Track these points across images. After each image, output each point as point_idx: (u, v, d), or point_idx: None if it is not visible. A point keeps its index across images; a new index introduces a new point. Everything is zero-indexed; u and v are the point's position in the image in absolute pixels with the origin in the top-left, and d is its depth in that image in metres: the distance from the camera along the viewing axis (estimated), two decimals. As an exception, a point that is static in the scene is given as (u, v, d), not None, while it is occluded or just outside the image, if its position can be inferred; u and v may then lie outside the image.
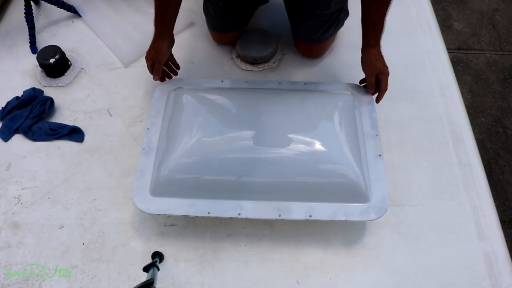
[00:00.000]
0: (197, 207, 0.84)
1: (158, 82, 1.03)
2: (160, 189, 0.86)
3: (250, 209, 0.84)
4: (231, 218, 0.84)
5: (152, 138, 0.93)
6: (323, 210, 0.83)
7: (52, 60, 1.13)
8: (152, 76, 0.99)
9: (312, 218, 0.83)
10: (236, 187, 0.85)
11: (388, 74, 0.96)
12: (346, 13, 1.12)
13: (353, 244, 0.90)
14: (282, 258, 0.89)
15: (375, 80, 0.97)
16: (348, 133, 0.89)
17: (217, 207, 0.84)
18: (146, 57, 1.00)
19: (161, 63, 0.99)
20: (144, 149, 0.91)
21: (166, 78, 1.04)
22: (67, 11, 1.31)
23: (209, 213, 0.83)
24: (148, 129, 0.94)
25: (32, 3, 1.25)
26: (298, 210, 0.83)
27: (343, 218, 0.83)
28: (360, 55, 0.97)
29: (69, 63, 1.20)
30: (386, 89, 0.97)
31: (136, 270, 0.87)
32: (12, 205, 0.97)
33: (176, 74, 1.06)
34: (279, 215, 0.83)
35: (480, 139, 1.91)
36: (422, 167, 1.01)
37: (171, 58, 1.04)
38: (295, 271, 0.87)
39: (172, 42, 1.00)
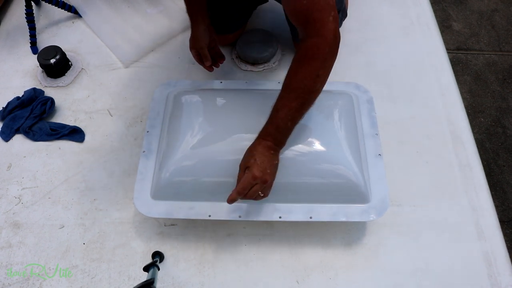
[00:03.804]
0: (198, 210, 0.84)
1: (158, 82, 1.03)
2: (161, 192, 0.86)
3: (251, 211, 0.84)
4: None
5: (152, 140, 0.93)
6: (323, 211, 0.84)
7: (52, 61, 1.13)
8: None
9: (313, 219, 0.83)
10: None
11: (254, 177, 0.74)
12: (344, 14, 1.13)
13: (353, 244, 0.91)
14: (282, 258, 0.89)
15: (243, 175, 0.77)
16: (348, 133, 0.89)
17: (218, 210, 0.84)
18: (189, 48, 1.01)
19: (204, 48, 0.98)
20: (144, 152, 0.91)
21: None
22: (68, 11, 1.31)
23: (210, 216, 0.84)
24: (148, 131, 0.94)
25: (32, 3, 1.26)
26: (298, 212, 0.84)
27: (343, 219, 0.83)
28: (359, 55, 0.96)
29: (70, 63, 1.20)
30: (239, 192, 0.74)
31: (136, 270, 0.88)
32: (13, 205, 0.97)
33: (221, 62, 1.06)
34: (280, 217, 0.83)
35: (480, 139, 1.91)
36: (422, 167, 1.01)
37: (213, 43, 1.03)
38: (295, 271, 0.88)
39: (208, 26, 1.00)
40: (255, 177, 0.74)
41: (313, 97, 0.78)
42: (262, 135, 0.78)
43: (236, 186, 0.75)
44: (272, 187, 0.83)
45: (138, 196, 0.86)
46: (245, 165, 0.77)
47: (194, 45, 1.00)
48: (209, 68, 1.03)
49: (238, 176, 0.78)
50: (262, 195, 0.78)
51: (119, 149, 1.05)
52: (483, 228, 0.92)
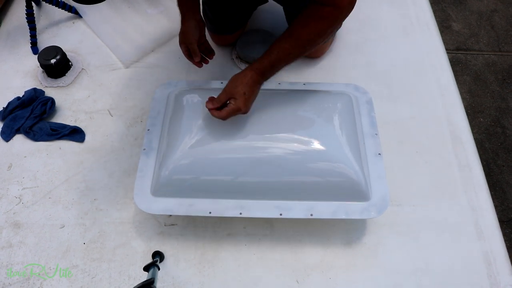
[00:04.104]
0: (198, 207, 0.85)
1: (158, 82, 1.03)
2: (160, 189, 0.86)
3: (251, 208, 0.84)
4: (231, 218, 0.85)
5: (152, 138, 0.93)
6: (324, 209, 0.84)
7: (53, 61, 1.14)
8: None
9: (313, 217, 0.83)
10: (236, 186, 0.85)
11: (238, 109, 0.81)
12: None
13: (353, 244, 0.91)
14: (282, 257, 0.89)
15: (225, 101, 0.82)
16: (348, 132, 0.89)
17: (218, 207, 0.84)
18: (179, 43, 0.99)
19: (194, 44, 0.97)
20: (144, 149, 0.91)
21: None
22: (68, 12, 1.31)
23: (210, 212, 0.84)
24: (148, 130, 0.94)
25: (33, 4, 1.26)
26: (299, 209, 0.84)
27: (344, 217, 0.83)
28: (359, 55, 0.96)
29: (70, 63, 1.20)
30: (222, 118, 0.82)
31: (136, 270, 0.88)
32: (14, 205, 0.97)
33: (211, 58, 1.05)
34: (280, 214, 0.84)
35: (479, 139, 1.92)
36: (422, 167, 1.01)
37: (202, 38, 1.01)
38: (295, 271, 0.88)
39: (199, 21, 0.98)
40: (239, 109, 0.81)
41: (312, 49, 0.84)
42: (255, 68, 0.82)
43: (213, 101, 0.83)
44: (273, 184, 0.84)
45: (138, 193, 0.86)
46: (232, 93, 0.81)
47: (184, 40, 0.98)
48: (198, 64, 1.01)
49: (219, 97, 0.83)
50: None
51: (119, 149, 1.05)
52: (482, 228, 0.93)
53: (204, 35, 1.03)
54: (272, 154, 0.85)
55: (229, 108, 0.81)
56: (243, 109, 0.82)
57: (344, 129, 0.89)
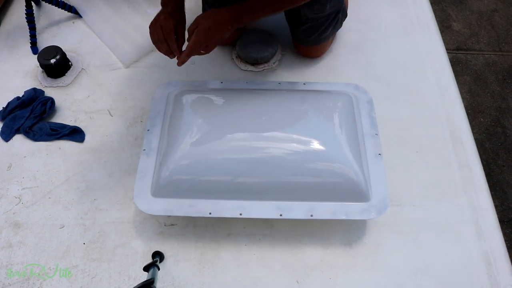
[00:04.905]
0: (198, 208, 0.85)
1: (158, 82, 1.03)
2: (161, 190, 0.86)
3: (251, 209, 0.84)
4: (231, 218, 0.85)
5: (152, 139, 0.93)
6: (324, 209, 0.84)
7: (53, 61, 1.14)
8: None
9: (313, 217, 0.83)
10: (237, 187, 0.85)
11: (199, 41, 0.80)
12: (344, 14, 1.13)
13: (353, 244, 0.91)
14: (282, 257, 0.89)
15: (193, 30, 0.82)
16: (348, 133, 0.89)
17: (218, 207, 0.84)
18: (155, 20, 0.86)
19: (184, 28, 0.87)
20: (144, 150, 0.91)
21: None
22: (68, 11, 1.31)
23: (210, 213, 0.84)
24: (148, 130, 0.95)
25: (32, 3, 1.26)
26: (299, 210, 0.84)
27: (344, 217, 0.83)
28: (359, 55, 0.96)
29: (70, 63, 1.20)
30: (188, 54, 0.82)
31: (136, 270, 0.88)
32: (13, 205, 0.97)
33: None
34: (280, 215, 0.84)
35: (479, 139, 1.92)
36: (422, 167, 1.01)
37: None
38: (295, 271, 0.88)
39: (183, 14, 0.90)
40: (200, 41, 0.81)
41: (293, 5, 0.88)
42: (231, 9, 0.82)
43: (188, 45, 0.83)
44: (273, 185, 0.84)
45: (138, 193, 0.86)
46: (198, 22, 0.81)
47: (175, 17, 0.86)
48: (171, 55, 0.88)
49: (189, 29, 0.83)
50: (203, 52, 0.85)
51: (119, 149, 1.05)
52: (482, 228, 0.92)
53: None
54: (272, 154, 0.85)
55: (190, 42, 0.81)
56: (204, 43, 0.81)
57: (344, 129, 0.89)
